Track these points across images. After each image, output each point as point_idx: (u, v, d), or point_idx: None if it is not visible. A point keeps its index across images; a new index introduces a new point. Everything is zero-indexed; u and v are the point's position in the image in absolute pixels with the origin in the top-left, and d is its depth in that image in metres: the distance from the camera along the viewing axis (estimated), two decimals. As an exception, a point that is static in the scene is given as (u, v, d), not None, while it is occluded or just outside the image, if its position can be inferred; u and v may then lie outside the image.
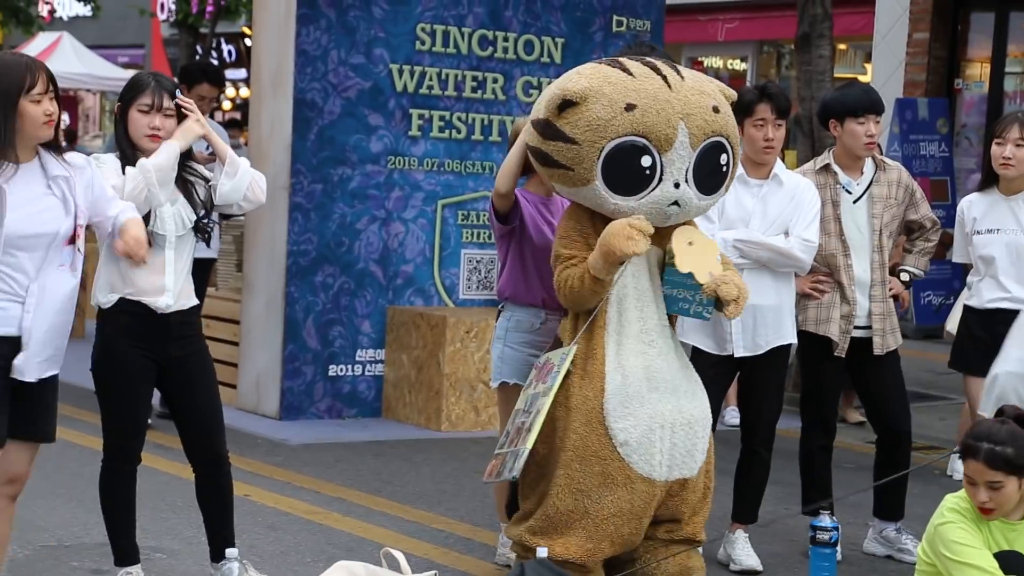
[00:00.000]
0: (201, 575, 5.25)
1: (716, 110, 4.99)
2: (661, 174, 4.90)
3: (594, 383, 4.95)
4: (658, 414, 4.92)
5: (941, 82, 13.67)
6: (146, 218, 4.68)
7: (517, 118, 6.53)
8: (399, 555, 4.72)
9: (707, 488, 5.15)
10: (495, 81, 8.81)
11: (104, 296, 4.80)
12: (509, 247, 5.52)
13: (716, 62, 16.87)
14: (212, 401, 4.96)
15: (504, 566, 5.54)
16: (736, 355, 5.66)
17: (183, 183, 4.86)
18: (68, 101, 26.29)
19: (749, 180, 5.70)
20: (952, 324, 7.69)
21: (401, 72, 8.52)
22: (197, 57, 17.18)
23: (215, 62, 22.63)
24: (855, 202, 5.90)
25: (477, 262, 8.75)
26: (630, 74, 4.96)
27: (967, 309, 6.50)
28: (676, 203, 4.93)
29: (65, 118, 23.37)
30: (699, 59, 16.82)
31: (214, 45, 19.67)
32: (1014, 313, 5.51)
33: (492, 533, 5.93)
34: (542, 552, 4.72)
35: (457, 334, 8.16)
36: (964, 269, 6.62)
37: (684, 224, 5.13)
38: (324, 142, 8.32)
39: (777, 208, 5.67)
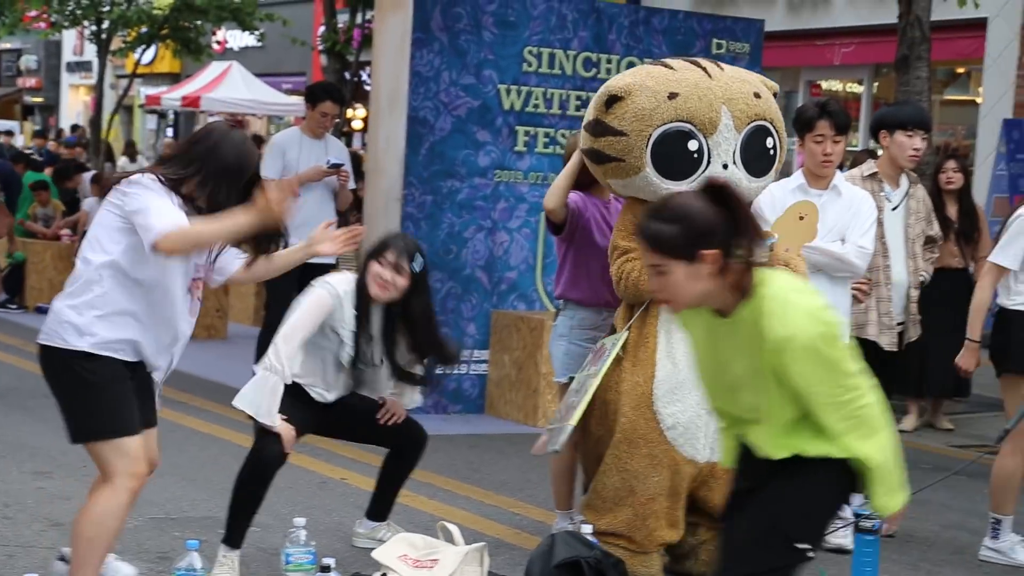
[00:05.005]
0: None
1: (757, 95, 5.31)
2: (709, 156, 5.23)
3: (645, 370, 5.26)
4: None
5: (1051, 103, 13.84)
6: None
7: (572, 134, 6.88)
8: (453, 527, 5.11)
9: None
10: (598, 100, 9.30)
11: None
12: (568, 251, 5.85)
13: (835, 85, 17.18)
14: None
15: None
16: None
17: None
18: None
19: (810, 190, 6.04)
20: None
21: (509, 92, 9.07)
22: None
23: (367, 88, 23.53)
24: (893, 210, 6.29)
25: (579, 271, 9.22)
26: (671, 68, 5.36)
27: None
28: None
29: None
30: (816, 82, 17.17)
31: (359, 72, 20.69)
32: None
33: (563, 516, 6.35)
34: (587, 528, 5.18)
35: (555, 338, 8.66)
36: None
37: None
38: (435, 156, 8.89)
39: (835, 216, 5.96)
